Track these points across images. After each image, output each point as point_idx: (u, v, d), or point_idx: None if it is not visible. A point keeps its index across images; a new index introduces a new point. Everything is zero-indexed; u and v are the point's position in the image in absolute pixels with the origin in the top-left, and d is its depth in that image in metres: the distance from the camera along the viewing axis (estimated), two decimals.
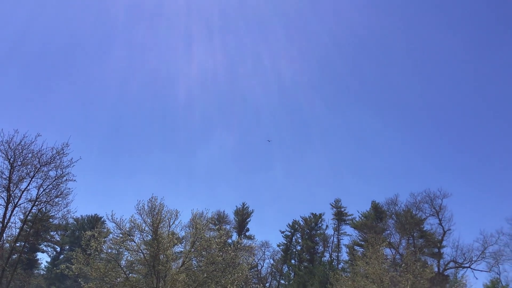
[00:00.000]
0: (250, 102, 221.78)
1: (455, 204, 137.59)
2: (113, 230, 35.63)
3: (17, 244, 51.48)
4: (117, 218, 34.46)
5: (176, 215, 35.66)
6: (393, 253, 76.63)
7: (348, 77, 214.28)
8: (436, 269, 70.53)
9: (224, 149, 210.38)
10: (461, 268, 76.16)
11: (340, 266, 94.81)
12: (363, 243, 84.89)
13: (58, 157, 41.72)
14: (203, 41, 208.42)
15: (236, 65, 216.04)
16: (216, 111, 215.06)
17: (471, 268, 75.27)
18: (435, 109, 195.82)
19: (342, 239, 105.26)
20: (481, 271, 75.67)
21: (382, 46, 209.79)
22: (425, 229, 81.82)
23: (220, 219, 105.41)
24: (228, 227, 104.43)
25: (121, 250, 37.90)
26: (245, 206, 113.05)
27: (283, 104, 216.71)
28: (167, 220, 35.29)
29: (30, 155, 40.70)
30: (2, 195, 40.21)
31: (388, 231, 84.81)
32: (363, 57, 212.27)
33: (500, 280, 72.32)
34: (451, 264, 76.68)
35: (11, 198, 40.15)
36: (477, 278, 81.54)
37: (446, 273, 75.12)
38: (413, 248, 68.98)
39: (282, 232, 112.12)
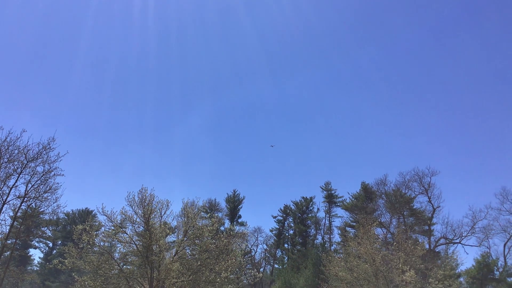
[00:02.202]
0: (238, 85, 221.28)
1: (444, 181, 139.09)
2: (105, 223, 35.55)
3: (8, 241, 51.14)
4: (108, 211, 34.34)
5: (167, 205, 35.61)
6: (384, 233, 77.61)
7: (336, 60, 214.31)
8: (427, 246, 71.48)
9: (206, 130, 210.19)
10: (451, 244, 77.42)
11: (332, 247, 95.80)
12: (354, 224, 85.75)
13: (45, 152, 41.47)
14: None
15: (220, 39, 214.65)
16: (199, 84, 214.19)
17: (461, 244, 76.62)
18: (421, 88, 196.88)
19: (333, 221, 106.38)
20: (472, 246, 77.10)
21: (369, 28, 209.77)
22: (415, 207, 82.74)
23: (211, 207, 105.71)
24: (220, 214, 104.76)
25: (113, 242, 37.86)
26: (236, 193, 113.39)
27: (271, 89, 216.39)
28: (158, 211, 35.23)
29: (16, 151, 40.42)
30: None
31: (379, 211, 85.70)
32: (350, 39, 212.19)
33: (490, 254, 73.74)
34: (442, 241, 77.84)
35: (0, 196, 39.87)
36: (467, 253, 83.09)
37: (437, 250, 76.20)
38: (403, 227, 69.82)
39: (274, 217, 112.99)
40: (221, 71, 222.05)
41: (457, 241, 76.61)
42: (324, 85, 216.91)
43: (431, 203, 79.55)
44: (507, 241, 76.04)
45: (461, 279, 67.24)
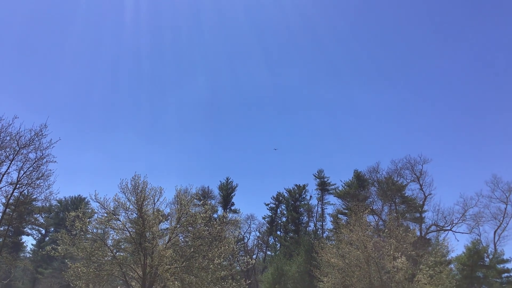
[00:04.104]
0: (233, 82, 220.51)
1: (435, 169, 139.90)
2: (98, 210, 35.56)
3: (1, 228, 51.07)
4: (100, 198, 34.33)
5: (161, 192, 35.63)
6: (376, 220, 78.17)
7: (330, 48, 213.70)
8: (418, 233, 72.08)
9: (199, 118, 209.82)
10: (442, 231, 78.24)
11: (324, 234, 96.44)
12: (346, 211, 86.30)
13: (37, 139, 41.19)
14: None
15: (213, 26, 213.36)
16: (192, 70, 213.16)
17: (452, 231, 77.54)
18: (414, 77, 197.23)
19: (326, 208, 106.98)
20: (462, 233, 78.16)
21: (364, 17, 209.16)
22: (406, 194, 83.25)
23: (204, 194, 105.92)
24: (213, 202, 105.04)
25: (106, 229, 37.89)
26: (229, 180, 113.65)
27: (265, 76, 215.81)
28: (151, 198, 35.26)
29: (8, 138, 40.17)
30: None
31: (371, 199, 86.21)
32: (345, 28, 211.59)
33: (480, 241, 74.59)
34: (433, 228, 78.59)
35: None
36: (458, 240, 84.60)
37: (428, 237, 76.94)
38: (395, 214, 70.34)
39: (267, 205, 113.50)
40: (214, 58, 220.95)
41: (448, 228, 77.51)
42: (318, 73, 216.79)
43: (423, 191, 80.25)
44: (497, 228, 77.13)
45: (452, 265, 67.91)
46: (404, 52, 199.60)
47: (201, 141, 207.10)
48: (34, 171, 41.96)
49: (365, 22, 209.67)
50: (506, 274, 68.71)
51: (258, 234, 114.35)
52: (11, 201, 44.21)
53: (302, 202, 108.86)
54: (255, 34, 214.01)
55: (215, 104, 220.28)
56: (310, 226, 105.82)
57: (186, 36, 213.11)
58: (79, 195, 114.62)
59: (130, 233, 34.55)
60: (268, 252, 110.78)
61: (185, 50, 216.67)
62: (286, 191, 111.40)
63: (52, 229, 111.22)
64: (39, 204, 50.43)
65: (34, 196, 46.24)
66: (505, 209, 76.84)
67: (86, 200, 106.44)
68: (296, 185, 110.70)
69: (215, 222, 36.04)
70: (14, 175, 41.39)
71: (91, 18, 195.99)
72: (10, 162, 40.52)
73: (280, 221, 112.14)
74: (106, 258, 34.22)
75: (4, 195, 42.07)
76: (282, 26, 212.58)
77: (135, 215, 35.13)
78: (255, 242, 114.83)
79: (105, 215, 34.88)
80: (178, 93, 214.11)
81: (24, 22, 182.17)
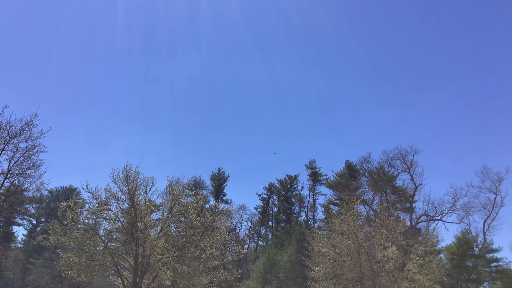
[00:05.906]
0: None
1: (426, 159, 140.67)
2: (89, 200, 35.47)
3: None
4: (92, 188, 34.21)
5: (152, 182, 35.58)
6: (367, 210, 78.60)
7: (323, 38, 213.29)
8: (408, 223, 72.63)
9: (191, 107, 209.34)
10: (432, 221, 78.75)
11: (316, 225, 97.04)
12: (338, 201, 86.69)
13: (27, 129, 40.72)
14: None
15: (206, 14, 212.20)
16: (186, 55, 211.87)
17: (442, 221, 78.07)
18: (405, 66, 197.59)
19: (317, 199, 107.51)
20: (452, 223, 78.76)
21: (359, 6, 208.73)
22: (397, 185, 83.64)
23: (196, 184, 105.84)
24: (205, 192, 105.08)
25: (98, 219, 37.84)
26: (221, 171, 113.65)
27: (258, 65, 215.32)
28: (143, 188, 35.19)
29: None
30: None
31: (362, 189, 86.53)
32: (339, 17, 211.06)
33: (470, 230, 75.41)
34: (423, 218, 79.10)
35: None
36: (448, 230, 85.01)
37: (418, 226, 77.47)
38: (386, 204, 70.70)
39: (259, 195, 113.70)
40: (208, 46, 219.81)
41: (438, 218, 78.03)
42: (311, 63, 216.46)
43: (413, 181, 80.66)
44: (487, 218, 77.94)
45: (441, 255, 68.59)
46: (397, 45, 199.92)
47: (194, 131, 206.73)
48: (25, 161, 41.55)
49: (361, 16, 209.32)
50: (495, 264, 69.63)
51: (250, 224, 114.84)
52: (1, 191, 43.92)
53: (294, 193, 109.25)
54: (250, 23, 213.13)
55: (208, 95, 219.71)
56: (301, 216, 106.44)
57: (179, 27, 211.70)
58: (70, 185, 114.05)
59: (122, 223, 34.54)
60: (260, 242, 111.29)
61: (179, 40, 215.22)
62: (278, 181, 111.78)
63: (43, 219, 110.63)
64: (30, 194, 49.95)
65: (25, 186, 45.88)
66: (495, 199, 77.65)
67: (77, 190, 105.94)
68: (287, 175, 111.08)
69: (207, 212, 36.07)
70: (5, 165, 41.00)
71: (81, 5, 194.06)
72: (0, 152, 40.16)
73: (272, 212, 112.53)
74: (97, 248, 34.25)
75: None
76: (276, 15, 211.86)
77: (127, 205, 35.09)
78: (247, 232, 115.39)
79: (97, 205, 34.85)
80: (170, 84, 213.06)
81: (14, 11, 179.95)
